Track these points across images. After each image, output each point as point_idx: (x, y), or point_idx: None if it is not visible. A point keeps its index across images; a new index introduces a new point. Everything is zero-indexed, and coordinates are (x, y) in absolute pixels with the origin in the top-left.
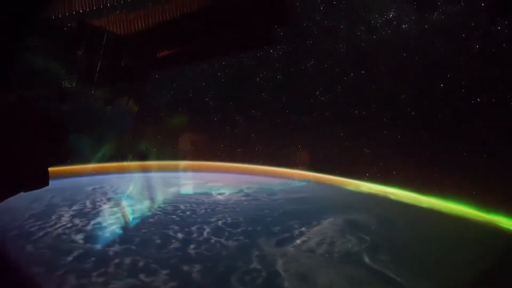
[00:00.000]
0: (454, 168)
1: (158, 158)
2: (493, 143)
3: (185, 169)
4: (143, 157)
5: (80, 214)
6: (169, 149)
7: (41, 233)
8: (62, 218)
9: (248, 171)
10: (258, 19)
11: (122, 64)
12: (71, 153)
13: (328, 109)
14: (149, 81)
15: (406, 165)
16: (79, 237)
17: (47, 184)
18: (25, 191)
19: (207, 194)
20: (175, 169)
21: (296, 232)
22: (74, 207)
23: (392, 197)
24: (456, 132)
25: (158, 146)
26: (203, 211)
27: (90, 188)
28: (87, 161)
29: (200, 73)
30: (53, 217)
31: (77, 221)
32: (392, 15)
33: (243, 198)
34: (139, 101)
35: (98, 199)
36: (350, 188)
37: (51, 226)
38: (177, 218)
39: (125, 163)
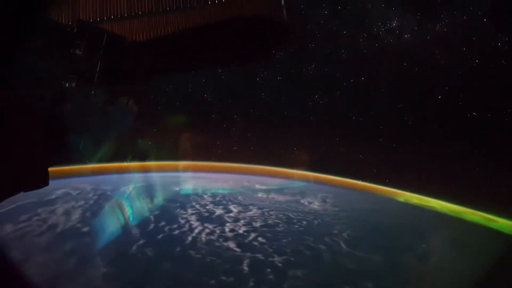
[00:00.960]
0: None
1: (158, 158)
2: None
3: (186, 169)
4: (143, 157)
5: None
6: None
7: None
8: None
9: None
10: (259, 44)
11: (123, 64)
12: (71, 153)
13: (326, 112)
14: (149, 81)
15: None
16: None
17: (47, 184)
18: (25, 191)
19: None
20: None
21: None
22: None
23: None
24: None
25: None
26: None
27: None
28: (87, 161)
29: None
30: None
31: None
32: (395, 24)
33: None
34: (139, 101)
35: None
36: (401, 199)
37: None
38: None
39: (125, 163)
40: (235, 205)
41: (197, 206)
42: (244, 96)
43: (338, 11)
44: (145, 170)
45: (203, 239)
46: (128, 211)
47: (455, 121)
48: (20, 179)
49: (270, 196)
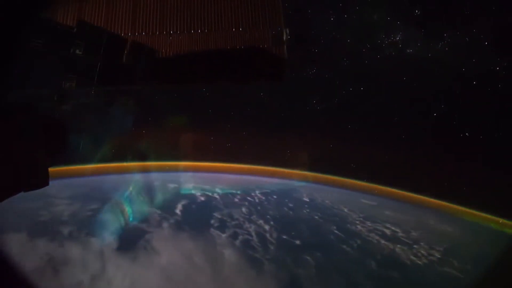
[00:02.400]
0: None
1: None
2: None
3: (186, 169)
4: (143, 157)
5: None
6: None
7: None
8: None
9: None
10: (256, 75)
11: (123, 64)
12: (71, 153)
13: (323, 118)
14: (149, 82)
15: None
16: None
17: (47, 184)
18: (25, 191)
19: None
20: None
21: None
22: None
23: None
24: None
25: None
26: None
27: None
28: (87, 161)
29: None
30: None
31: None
32: (399, 38)
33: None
34: (139, 101)
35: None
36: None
37: None
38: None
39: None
40: None
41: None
42: (244, 95)
43: (344, 19)
44: (145, 170)
45: None
46: (128, 211)
47: (448, 139)
48: (20, 179)
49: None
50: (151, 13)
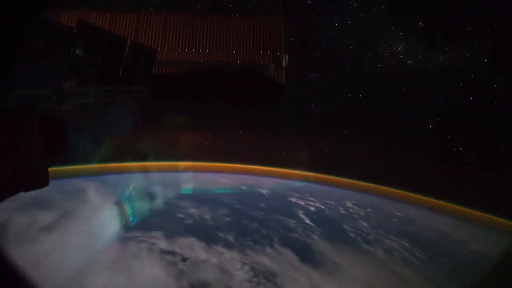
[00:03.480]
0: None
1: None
2: None
3: (186, 170)
4: (143, 157)
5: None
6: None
7: None
8: None
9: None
10: (253, 99)
11: (123, 64)
12: (71, 153)
13: (319, 123)
14: (149, 82)
15: None
16: None
17: (47, 184)
18: (25, 191)
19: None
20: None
21: None
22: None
23: None
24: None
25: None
26: None
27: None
28: (88, 160)
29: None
30: None
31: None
32: (400, 48)
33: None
34: (139, 101)
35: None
36: None
37: None
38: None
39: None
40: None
41: None
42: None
43: (348, 25)
44: (145, 170)
45: None
46: (128, 211)
47: (440, 150)
48: (20, 179)
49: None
50: (156, 29)
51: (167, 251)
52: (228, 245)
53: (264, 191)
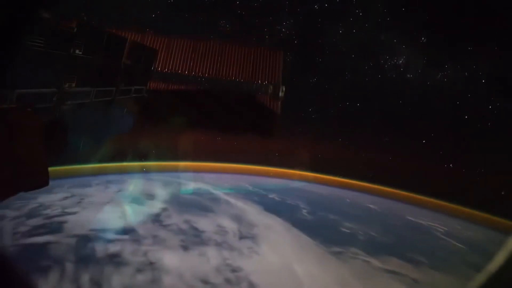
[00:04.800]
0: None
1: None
2: None
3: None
4: (143, 157)
5: None
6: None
7: None
8: None
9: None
10: (248, 127)
11: (123, 64)
12: (71, 152)
13: (315, 127)
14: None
15: None
16: None
17: (47, 184)
18: (25, 191)
19: None
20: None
21: None
22: None
23: None
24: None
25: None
26: None
27: None
28: (88, 160)
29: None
30: None
31: None
32: (401, 62)
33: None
34: (140, 101)
35: None
36: None
37: None
38: None
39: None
40: None
41: None
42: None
43: (352, 34)
44: (145, 170)
45: None
46: (128, 211)
47: (431, 165)
48: (20, 179)
49: None
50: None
51: None
52: None
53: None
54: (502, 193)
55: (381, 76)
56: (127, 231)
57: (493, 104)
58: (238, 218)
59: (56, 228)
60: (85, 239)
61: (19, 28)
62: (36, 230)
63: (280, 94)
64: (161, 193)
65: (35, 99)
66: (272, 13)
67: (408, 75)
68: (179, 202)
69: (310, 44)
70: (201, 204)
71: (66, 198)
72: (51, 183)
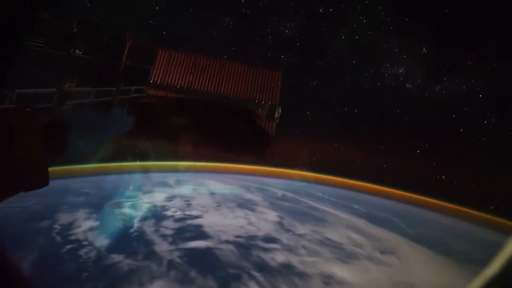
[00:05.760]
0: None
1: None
2: None
3: (185, 170)
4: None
5: None
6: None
7: None
8: None
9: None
10: (241, 146)
11: (123, 64)
12: (71, 152)
13: (312, 131)
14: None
15: None
16: None
17: (47, 184)
18: (25, 191)
19: None
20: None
21: None
22: None
23: None
24: None
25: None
26: None
27: None
28: (87, 160)
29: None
30: None
31: None
32: (401, 71)
33: None
34: (139, 101)
35: None
36: None
37: None
38: None
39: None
40: None
41: None
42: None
43: (354, 40)
44: (145, 170)
45: None
46: (128, 210)
47: (424, 176)
48: (20, 179)
49: None
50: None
51: None
52: None
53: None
54: (491, 207)
55: (380, 84)
56: (271, 239)
57: (488, 119)
58: (357, 229)
59: (200, 233)
60: (242, 246)
61: (19, 28)
62: (183, 234)
63: (276, 115)
64: (257, 197)
65: (35, 99)
66: (276, 13)
67: (407, 85)
68: (284, 208)
69: (311, 46)
70: (304, 212)
71: (169, 199)
72: (123, 177)
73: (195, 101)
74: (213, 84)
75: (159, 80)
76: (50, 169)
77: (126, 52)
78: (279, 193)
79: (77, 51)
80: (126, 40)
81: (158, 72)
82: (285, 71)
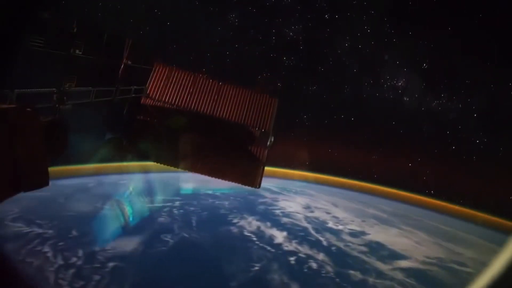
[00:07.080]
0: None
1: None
2: None
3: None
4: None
5: None
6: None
7: None
8: None
9: None
10: (230, 172)
11: (123, 64)
12: (71, 153)
13: (309, 134)
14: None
15: None
16: None
17: (47, 184)
18: (25, 191)
19: None
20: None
21: None
22: None
23: None
24: None
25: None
26: None
27: None
28: (87, 160)
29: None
30: None
31: None
32: (400, 84)
33: None
34: (139, 101)
35: None
36: None
37: None
38: None
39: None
40: None
41: None
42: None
43: (357, 49)
44: (145, 170)
45: None
46: (128, 210)
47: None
48: (20, 179)
49: None
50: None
51: None
52: None
53: None
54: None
55: (378, 94)
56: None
57: (481, 139)
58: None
59: (392, 252)
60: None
61: (19, 28)
62: (379, 252)
63: (268, 143)
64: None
65: (35, 99)
66: (281, 14)
67: (405, 98)
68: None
69: (314, 51)
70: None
71: (307, 209)
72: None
73: (189, 121)
74: (209, 105)
75: (155, 95)
76: (50, 169)
77: (126, 51)
78: None
79: (77, 51)
80: (126, 40)
81: (154, 88)
82: (286, 73)
